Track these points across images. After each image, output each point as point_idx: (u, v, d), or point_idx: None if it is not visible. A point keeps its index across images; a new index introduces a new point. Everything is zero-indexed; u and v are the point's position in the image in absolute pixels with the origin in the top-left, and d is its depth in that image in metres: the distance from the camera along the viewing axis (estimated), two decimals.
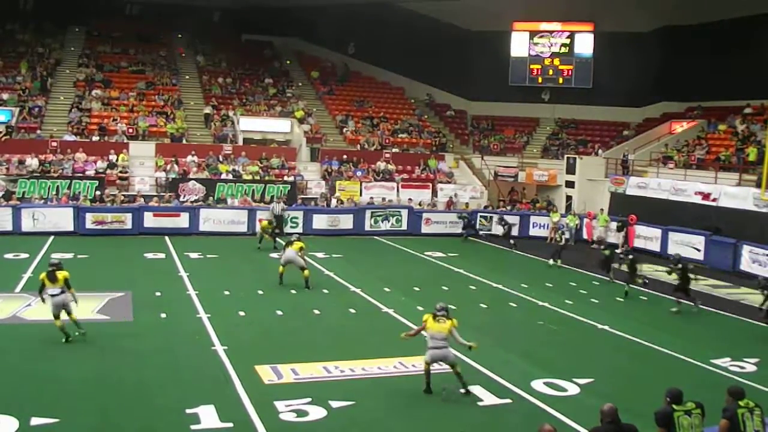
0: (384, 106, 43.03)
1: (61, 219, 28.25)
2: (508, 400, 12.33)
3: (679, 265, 20.00)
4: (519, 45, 42.52)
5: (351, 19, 40.58)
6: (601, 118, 41.96)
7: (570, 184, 35.69)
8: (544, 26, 42.08)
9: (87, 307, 17.16)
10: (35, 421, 10.57)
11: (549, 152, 40.19)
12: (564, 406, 12.03)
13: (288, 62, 46.41)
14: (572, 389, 12.94)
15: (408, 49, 41.67)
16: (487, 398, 12.36)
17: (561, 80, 42.09)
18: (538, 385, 13.03)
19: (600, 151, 37.48)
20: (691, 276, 19.94)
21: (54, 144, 32.79)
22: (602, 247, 24.93)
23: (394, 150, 38.42)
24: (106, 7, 43.88)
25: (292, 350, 14.55)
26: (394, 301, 19.33)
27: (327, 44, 46.59)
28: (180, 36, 45.62)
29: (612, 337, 16.92)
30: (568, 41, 41.78)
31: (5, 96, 35.95)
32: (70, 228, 28.08)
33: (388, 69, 46.12)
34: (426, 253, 27.91)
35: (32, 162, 31.32)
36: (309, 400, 11.83)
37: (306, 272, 20.51)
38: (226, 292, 19.63)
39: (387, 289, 20.85)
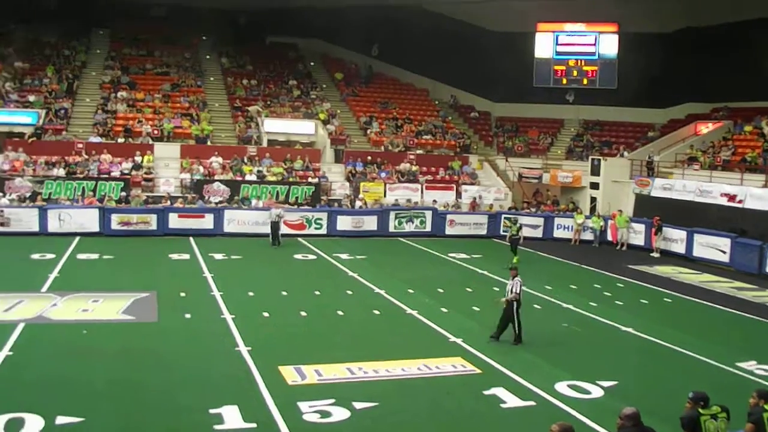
0: (408, 108, 43.00)
1: (87, 220, 28.50)
2: (532, 403, 12.28)
3: None
4: (543, 46, 42.41)
5: (375, 20, 40.56)
6: (626, 119, 41.71)
7: (594, 186, 35.45)
8: (569, 27, 41.96)
9: (112, 308, 17.37)
10: (60, 420, 10.66)
11: (573, 153, 39.98)
12: (588, 408, 11.97)
13: (312, 64, 46.53)
14: (596, 392, 12.87)
15: (432, 50, 41.62)
16: (511, 400, 12.32)
17: (585, 81, 41.95)
18: (561, 387, 12.96)
19: (625, 153, 37.20)
20: None
21: (80, 146, 33.09)
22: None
23: (418, 151, 38.39)
24: (132, 9, 44.27)
25: (316, 351, 14.59)
26: (418, 303, 19.31)
27: (351, 46, 46.64)
28: (204, 38, 45.89)
29: (636, 339, 16.80)
30: (592, 42, 41.60)
31: (32, 98, 36.34)
32: (96, 229, 28.32)
33: (412, 70, 46.11)
34: (450, 254, 27.87)
35: (58, 163, 31.64)
36: (332, 401, 11.85)
37: None
38: (251, 293, 19.71)
39: (411, 291, 20.84)
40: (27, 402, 11.18)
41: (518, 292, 15.68)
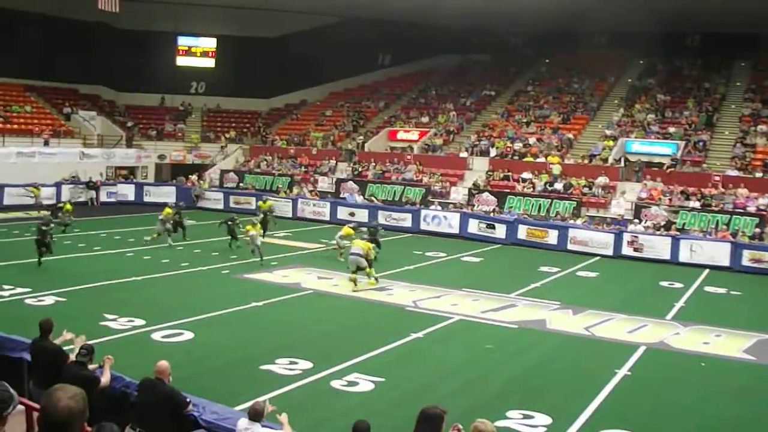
0: None
1: (718, 253, 28.39)
2: None
3: None
4: None
5: None
6: None
7: None
8: None
9: (734, 345, 17.08)
10: None
11: None
12: None
13: None
14: None
15: None
16: None
17: None
18: None
19: None
20: None
21: (716, 178, 33.16)
22: None
23: None
24: None
25: None
26: None
27: None
28: None
29: None
30: None
31: (672, 130, 37.63)
32: (726, 263, 28.04)
33: None
34: None
35: (694, 195, 32.16)
36: None
37: None
38: None
39: None
40: (638, 422, 11.70)
41: None
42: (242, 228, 26.18)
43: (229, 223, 26.94)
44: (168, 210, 27.64)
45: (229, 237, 26.67)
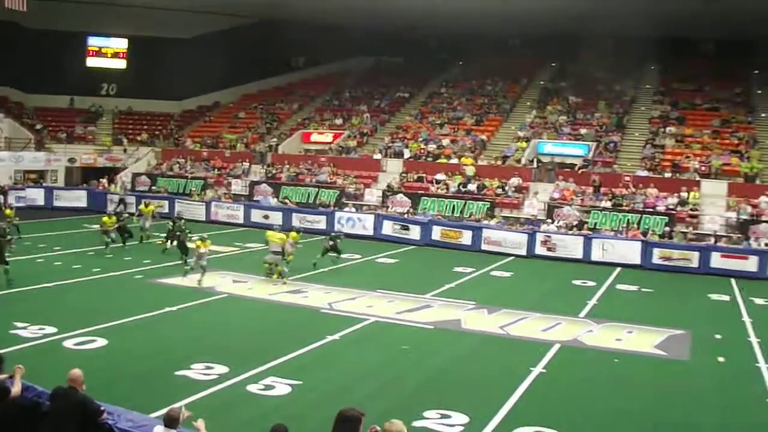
0: None
1: (629, 251, 29.15)
2: None
3: None
4: None
5: None
6: None
7: None
8: None
9: (646, 341, 17.51)
10: None
11: None
12: None
13: None
14: None
15: None
16: None
17: None
18: None
19: None
20: None
21: (627, 178, 34.10)
22: None
23: None
24: (681, 45, 44.06)
25: None
26: None
27: None
28: (757, 72, 43.54)
29: None
30: None
31: (583, 131, 38.54)
32: (637, 261, 28.81)
33: None
34: None
35: (605, 195, 33.03)
36: None
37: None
38: None
39: None
40: (554, 418, 11.86)
41: None
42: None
43: (179, 234, 25.52)
44: (105, 219, 26.83)
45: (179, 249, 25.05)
